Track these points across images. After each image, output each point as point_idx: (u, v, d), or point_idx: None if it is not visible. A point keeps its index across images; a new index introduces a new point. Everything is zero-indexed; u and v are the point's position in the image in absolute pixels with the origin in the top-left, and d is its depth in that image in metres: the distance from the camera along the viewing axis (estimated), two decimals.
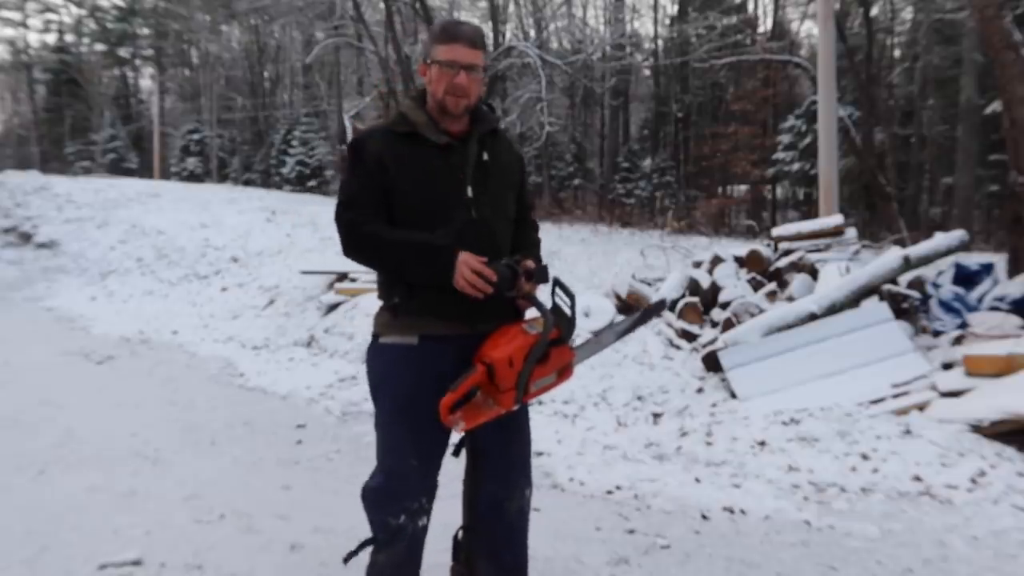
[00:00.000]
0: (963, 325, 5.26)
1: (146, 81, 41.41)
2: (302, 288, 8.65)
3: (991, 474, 3.52)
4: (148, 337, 7.60)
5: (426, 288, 1.92)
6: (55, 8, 38.29)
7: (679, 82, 27.17)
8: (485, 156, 2.03)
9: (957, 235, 6.11)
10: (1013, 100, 6.45)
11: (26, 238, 13.00)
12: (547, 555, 2.83)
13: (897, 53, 25.52)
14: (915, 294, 5.61)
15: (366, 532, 2.06)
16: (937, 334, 5.32)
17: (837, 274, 5.87)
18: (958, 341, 5.07)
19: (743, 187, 25.63)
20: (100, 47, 39.45)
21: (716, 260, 7.06)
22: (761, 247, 7.11)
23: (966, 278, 5.79)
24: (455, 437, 2.02)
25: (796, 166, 19.98)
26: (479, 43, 1.99)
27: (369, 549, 2.06)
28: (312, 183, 27.11)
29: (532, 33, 23.30)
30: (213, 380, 5.92)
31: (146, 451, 4.03)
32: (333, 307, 7.74)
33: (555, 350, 1.94)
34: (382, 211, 1.95)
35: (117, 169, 30.51)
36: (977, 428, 3.94)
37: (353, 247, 1.97)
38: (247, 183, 28.44)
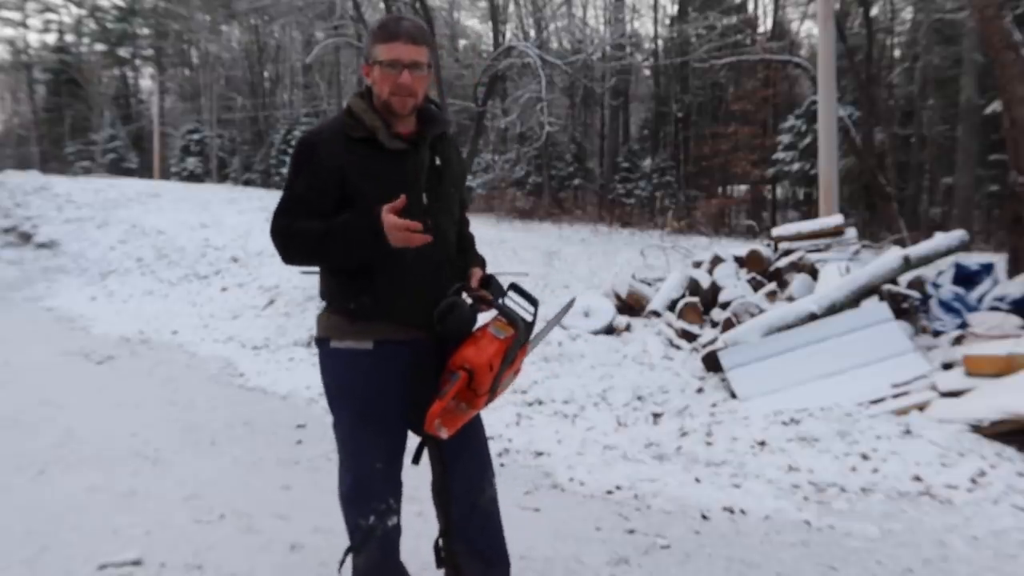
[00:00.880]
0: (963, 325, 5.26)
1: (146, 81, 41.49)
2: (302, 288, 8.65)
3: (991, 474, 3.52)
4: (148, 337, 7.60)
5: (390, 294, 1.91)
6: (55, 8, 38.38)
7: (679, 82, 27.16)
8: (437, 161, 2.00)
9: (957, 235, 6.11)
10: (1013, 100, 6.45)
11: (26, 238, 13.00)
12: (547, 555, 2.83)
13: (897, 53, 25.53)
14: (915, 294, 5.61)
15: None
16: (937, 334, 5.32)
17: (837, 274, 5.87)
18: (958, 341, 5.08)
19: (743, 187, 25.63)
20: (100, 47, 39.50)
21: (716, 260, 7.06)
22: (761, 247, 7.11)
23: (966, 278, 5.79)
24: (412, 440, 2.03)
25: (796, 166, 19.99)
26: (421, 39, 1.91)
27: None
28: None
29: (532, 33, 23.33)
30: (213, 380, 5.91)
31: (146, 451, 4.02)
32: None
33: (519, 351, 1.97)
34: (326, 215, 1.88)
35: (117, 169, 30.53)
36: (977, 428, 3.94)
37: (289, 252, 1.92)
38: (247, 183, 28.44)
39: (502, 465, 3.88)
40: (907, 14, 24.80)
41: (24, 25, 39.61)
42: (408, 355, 1.95)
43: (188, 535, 2.96)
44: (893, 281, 5.68)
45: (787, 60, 20.12)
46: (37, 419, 4.57)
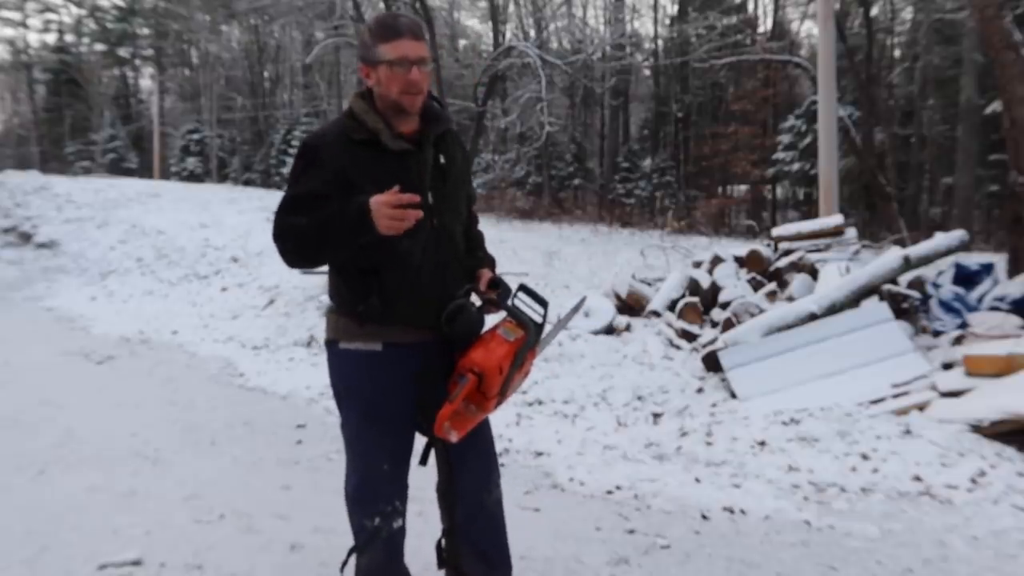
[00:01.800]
0: (963, 325, 5.26)
1: (146, 81, 41.45)
2: (302, 288, 8.64)
3: (991, 474, 3.52)
4: (148, 337, 7.59)
5: (399, 297, 1.89)
6: (55, 8, 38.34)
7: (679, 82, 27.17)
8: (441, 159, 1.98)
9: (957, 235, 6.11)
10: (1013, 100, 6.45)
11: (26, 238, 12.99)
12: (547, 555, 2.83)
13: (897, 53, 25.53)
14: (915, 294, 5.61)
15: None
16: (937, 334, 5.32)
17: (837, 274, 5.87)
18: (958, 341, 5.08)
19: (743, 187, 25.64)
20: (100, 47, 39.46)
21: (716, 260, 7.06)
22: (761, 247, 7.11)
23: (966, 278, 5.79)
24: (420, 442, 2.02)
25: (796, 166, 20.00)
26: (421, 34, 1.88)
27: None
28: None
29: (532, 33, 23.32)
30: (213, 380, 5.91)
31: (146, 451, 4.02)
32: None
33: (528, 354, 1.96)
34: None
35: (117, 169, 30.51)
36: (977, 428, 3.94)
37: (286, 247, 1.88)
38: (247, 183, 28.42)
39: (502, 465, 3.86)
40: (907, 14, 24.81)
41: (24, 25, 39.62)
42: (417, 359, 1.94)
43: (188, 535, 2.96)
44: (893, 281, 5.68)
45: (787, 60, 20.12)
46: (37, 419, 4.57)
